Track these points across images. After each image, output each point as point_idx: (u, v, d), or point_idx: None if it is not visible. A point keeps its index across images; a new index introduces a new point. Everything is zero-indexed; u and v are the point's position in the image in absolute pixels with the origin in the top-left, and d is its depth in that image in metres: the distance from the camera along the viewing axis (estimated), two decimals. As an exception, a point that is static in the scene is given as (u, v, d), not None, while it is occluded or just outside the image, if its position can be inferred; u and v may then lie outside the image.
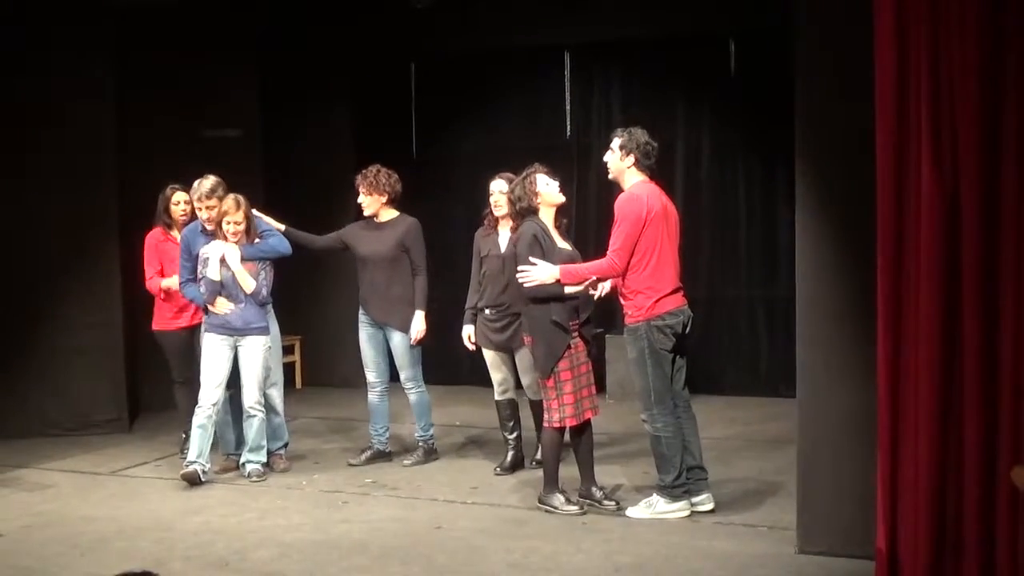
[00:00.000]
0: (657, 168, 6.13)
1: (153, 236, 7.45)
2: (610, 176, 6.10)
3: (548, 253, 5.95)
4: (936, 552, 4.46)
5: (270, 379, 7.18)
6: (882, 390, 4.58)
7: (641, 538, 5.65)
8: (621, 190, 6.01)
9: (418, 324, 7.15)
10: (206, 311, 6.89)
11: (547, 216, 6.12)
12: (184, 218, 7.40)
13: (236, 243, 6.81)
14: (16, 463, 7.49)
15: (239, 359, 6.91)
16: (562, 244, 6.11)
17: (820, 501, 5.26)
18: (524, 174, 6.15)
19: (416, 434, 7.37)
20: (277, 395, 7.26)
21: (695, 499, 6.03)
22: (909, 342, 4.49)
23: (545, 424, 6.09)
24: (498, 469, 6.99)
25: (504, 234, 6.85)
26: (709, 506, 6.04)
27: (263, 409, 6.99)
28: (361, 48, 10.08)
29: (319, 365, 10.12)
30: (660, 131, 9.77)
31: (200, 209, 6.99)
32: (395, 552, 5.54)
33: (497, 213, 6.86)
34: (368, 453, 7.37)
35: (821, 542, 5.25)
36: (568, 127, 9.92)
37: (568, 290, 5.91)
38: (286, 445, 7.39)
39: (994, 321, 4.30)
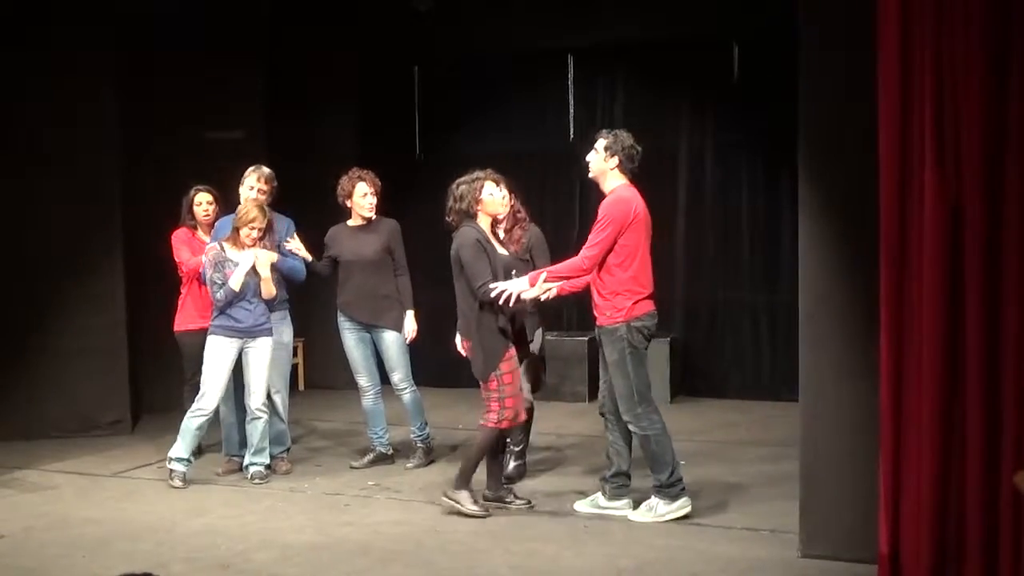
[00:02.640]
0: (661, 171, 6.14)
1: (181, 234, 7.49)
2: (590, 175, 6.14)
3: (491, 258, 6.01)
4: (939, 556, 4.46)
5: (275, 384, 7.19)
6: (885, 393, 4.58)
7: (643, 541, 5.65)
8: (600, 192, 6.00)
9: (411, 323, 7.17)
10: (220, 312, 6.83)
11: (484, 223, 6.16)
12: (207, 218, 7.47)
13: (252, 248, 6.79)
14: (18, 464, 7.49)
15: (247, 360, 6.89)
16: (501, 250, 6.19)
17: (823, 505, 5.26)
18: (475, 175, 6.18)
19: (413, 435, 7.34)
20: (281, 401, 7.26)
21: (615, 503, 6.09)
22: (912, 345, 4.49)
23: (481, 423, 6.12)
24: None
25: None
26: (626, 512, 6.08)
27: (267, 411, 6.99)
28: (365, 51, 10.08)
29: (321, 368, 10.12)
30: (663, 135, 9.89)
31: (252, 188, 7.01)
32: (397, 555, 5.53)
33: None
34: (370, 456, 7.37)
35: (824, 546, 5.24)
36: (571, 131, 9.93)
37: (526, 295, 5.91)
38: (288, 450, 7.38)
39: (997, 324, 4.29)
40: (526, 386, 6.77)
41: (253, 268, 6.78)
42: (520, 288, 5.89)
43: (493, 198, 6.18)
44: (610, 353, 5.94)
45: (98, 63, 8.37)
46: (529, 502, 6.25)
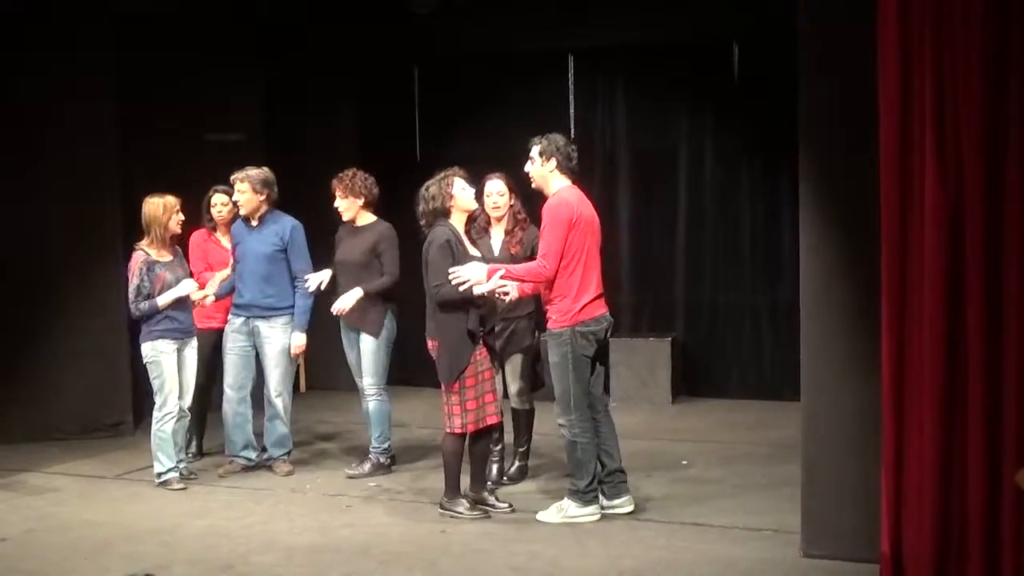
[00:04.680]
0: (661, 171, 6.13)
1: (198, 236, 7.53)
2: (533, 185, 6.10)
3: (459, 259, 5.94)
4: (940, 555, 4.46)
5: (276, 388, 7.18)
6: (886, 393, 4.58)
7: (645, 542, 5.65)
8: (545, 199, 5.99)
9: (350, 298, 6.91)
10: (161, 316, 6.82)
11: (458, 221, 6.12)
12: (222, 219, 7.52)
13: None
14: (20, 467, 7.49)
15: (182, 361, 6.90)
16: (473, 251, 6.15)
17: (824, 505, 5.26)
18: (443, 174, 6.13)
19: (371, 445, 7.18)
20: (283, 403, 7.24)
21: (615, 501, 6.06)
22: (913, 345, 4.49)
23: (447, 430, 6.07)
24: (505, 477, 6.94)
25: (497, 236, 6.77)
26: (628, 508, 6.07)
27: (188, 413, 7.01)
28: (364, 51, 10.08)
29: (323, 369, 10.11)
30: (663, 135, 9.89)
31: (236, 191, 7.14)
32: (398, 556, 5.54)
33: (494, 215, 6.74)
34: (369, 460, 7.31)
35: (825, 546, 5.24)
36: (571, 131, 9.91)
37: (478, 290, 5.84)
38: (289, 452, 7.36)
39: (998, 324, 4.30)
40: (514, 387, 6.76)
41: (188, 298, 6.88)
42: (477, 277, 5.81)
43: (466, 192, 6.12)
44: (552, 355, 5.92)
45: (98, 63, 8.36)
46: (510, 506, 6.19)
